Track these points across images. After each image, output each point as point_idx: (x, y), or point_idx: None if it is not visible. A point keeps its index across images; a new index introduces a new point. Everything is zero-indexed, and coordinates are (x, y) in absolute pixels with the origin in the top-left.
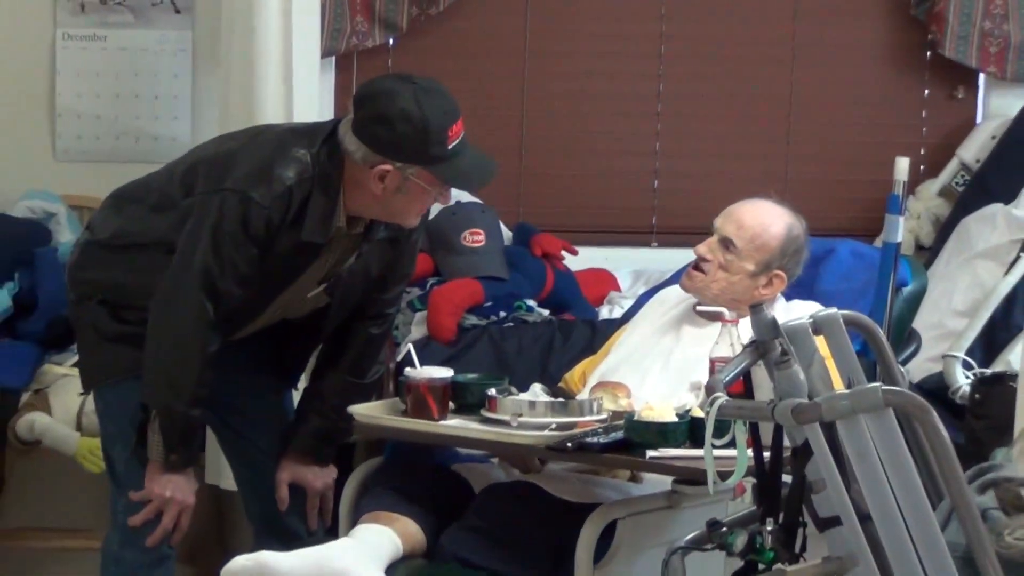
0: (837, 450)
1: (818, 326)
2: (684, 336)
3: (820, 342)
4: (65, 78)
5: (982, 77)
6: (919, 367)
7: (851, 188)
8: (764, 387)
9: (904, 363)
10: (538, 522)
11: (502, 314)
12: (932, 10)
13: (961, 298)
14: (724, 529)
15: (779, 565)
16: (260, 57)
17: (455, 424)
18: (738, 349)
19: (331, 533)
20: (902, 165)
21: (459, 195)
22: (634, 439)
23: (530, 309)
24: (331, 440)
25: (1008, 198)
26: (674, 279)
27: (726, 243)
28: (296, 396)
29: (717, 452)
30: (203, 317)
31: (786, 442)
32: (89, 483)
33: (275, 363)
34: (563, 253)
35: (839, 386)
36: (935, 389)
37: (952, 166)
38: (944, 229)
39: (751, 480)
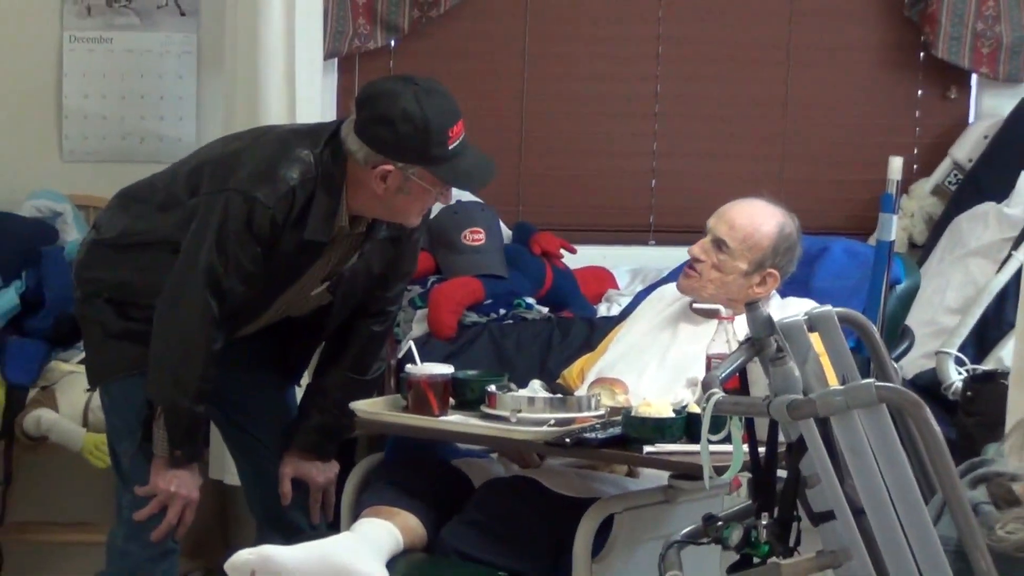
0: (831, 445)
1: (813, 323)
2: (681, 333)
3: (815, 339)
4: (72, 79)
5: (974, 77)
6: (912, 363)
7: (845, 187)
8: (760, 383)
9: (897, 359)
10: (537, 516)
11: (502, 311)
12: (925, 11)
13: (954, 295)
14: (720, 523)
15: (774, 559)
16: (264, 59)
17: (455, 420)
18: (734, 346)
19: (333, 527)
20: (896, 164)
21: (460, 194)
22: (631, 434)
23: (529, 307)
24: (333, 436)
25: (1000, 197)
26: (671, 277)
27: (719, 244)
28: (299, 392)
29: (713, 447)
30: (208, 315)
31: (781, 437)
32: (95, 478)
33: (278, 360)
34: (562, 251)
35: (833, 382)
36: (928, 385)
37: (945, 165)
38: (937, 227)
39: (746, 475)
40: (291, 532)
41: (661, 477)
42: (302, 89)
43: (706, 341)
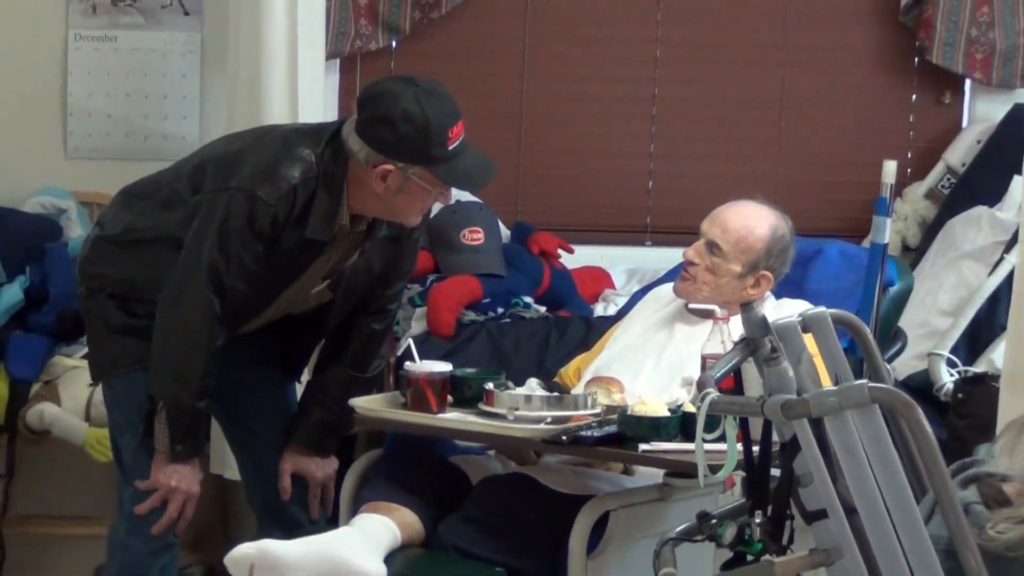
0: (824, 445)
1: (807, 324)
2: (676, 333)
3: (809, 340)
4: (77, 78)
5: (968, 83)
6: (905, 365)
7: (840, 190)
8: (754, 383)
9: (890, 361)
10: (534, 513)
11: (500, 310)
12: (920, 17)
13: (946, 298)
14: (714, 521)
15: (767, 556)
16: (266, 59)
17: (453, 417)
18: (729, 346)
19: (332, 522)
20: (890, 168)
21: (459, 194)
22: (627, 433)
23: (527, 306)
24: (333, 432)
25: (992, 201)
26: (668, 277)
27: (712, 247)
28: (299, 389)
29: (708, 446)
30: (210, 312)
31: (775, 437)
32: (97, 472)
33: (279, 357)
34: (560, 251)
35: (827, 383)
36: (920, 386)
37: (938, 169)
38: (930, 231)
39: (740, 474)
40: (291, 527)
41: (656, 475)
42: (304, 89)
43: (701, 341)
